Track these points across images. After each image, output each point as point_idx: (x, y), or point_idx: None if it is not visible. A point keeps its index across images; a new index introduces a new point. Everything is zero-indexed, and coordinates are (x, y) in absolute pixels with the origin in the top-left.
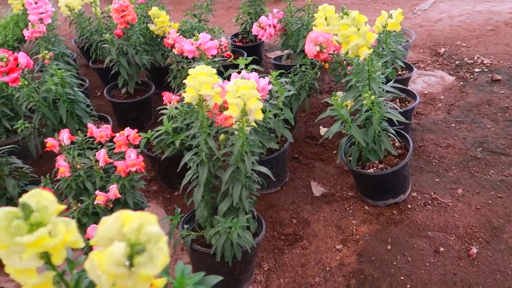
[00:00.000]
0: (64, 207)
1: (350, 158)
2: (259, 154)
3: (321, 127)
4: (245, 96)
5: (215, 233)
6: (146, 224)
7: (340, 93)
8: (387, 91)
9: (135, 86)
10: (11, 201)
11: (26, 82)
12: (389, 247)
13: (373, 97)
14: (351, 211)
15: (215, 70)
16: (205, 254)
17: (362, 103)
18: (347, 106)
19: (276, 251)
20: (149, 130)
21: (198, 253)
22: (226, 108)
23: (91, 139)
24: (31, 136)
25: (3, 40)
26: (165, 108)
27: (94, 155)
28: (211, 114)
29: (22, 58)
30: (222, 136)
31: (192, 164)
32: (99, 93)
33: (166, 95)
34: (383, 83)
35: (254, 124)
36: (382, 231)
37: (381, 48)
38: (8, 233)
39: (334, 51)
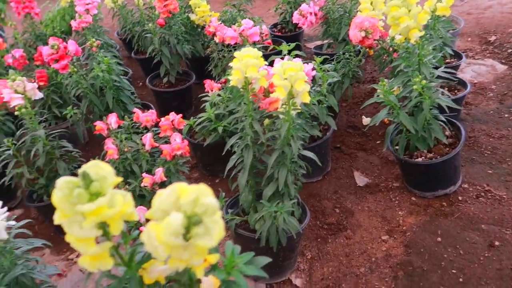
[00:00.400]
0: (120, 179)
1: (397, 147)
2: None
3: (363, 117)
4: (292, 78)
5: (260, 218)
6: (203, 196)
7: (386, 81)
8: (438, 77)
9: (176, 76)
10: None
11: (75, 69)
12: (439, 239)
13: (424, 81)
14: (396, 202)
15: (261, 53)
16: (250, 239)
17: (411, 89)
18: (394, 92)
19: (319, 240)
20: (191, 117)
21: (242, 238)
22: (271, 93)
23: (137, 124)
24: (79, 122)
25: (51, 32)
26: (207, 95)
27: (141, 139)
28: (256, 98)
29: (72, 45)
30: (267, 121)
31: (236, 148)
32: (141, 84)
33: (208, 83)
34: (433, 68)
35: (299, 108)
36: (431, 222)
37: (428, 35)
38: (69, 202)
39: (380, 36)
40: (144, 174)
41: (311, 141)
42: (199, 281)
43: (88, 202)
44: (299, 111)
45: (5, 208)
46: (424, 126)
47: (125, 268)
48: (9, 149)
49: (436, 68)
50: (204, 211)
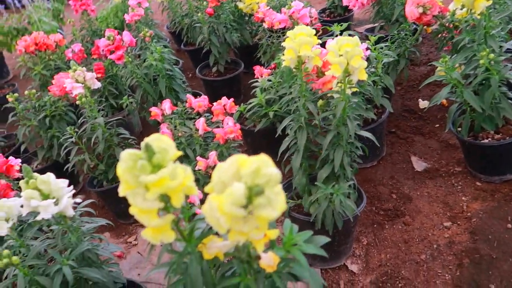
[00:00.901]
0: (180, 153)
1: (460, 128)
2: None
3: (420, 100)
4: (348, 54)
5: (315, 201)
6: (264, 166)
7: (448, 57)
8: (507, 50)
9: (225, 65)
10: None
11: (129, 59)
12: (509, 225)
13: (492, 55)
14: (459, 187)
15: (314, 31)
16: (304, 222)
17: (476, 65)
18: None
19: (375, 226)
20: (241, 104)
21: (296, 222)
22: (325, 73)
23: (190, 110)
24: (134, 111)
25: (106, 28)
26: (257, 81)
27: (194, 124)
28: (309, 78)
29: (126, 36)
30: (320, 102)
31: (289, 130)
32: (190, 75)
33: (258, 69)
34: (501, 41)
35: (355, 87)
36: (500, 208)
37: (492, 9)
38: (133, 174)
39: (439, 12)
40: (198, 158)
41: (365, 125)
42: (258, 257)
43: (151, 173)
44: (355, 90)
45: (71, 187)
46: (491, 104)
47: (185, 244)
48: (71, 137)
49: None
50: (266, 181)
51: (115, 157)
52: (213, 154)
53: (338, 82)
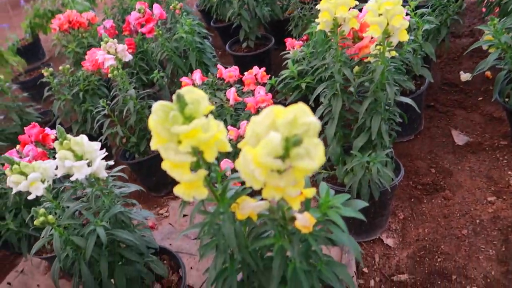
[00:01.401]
0: (213, 106)
1: (507, 98)
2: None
3: (461, 72)
4: (388, 13)
5: (350, 171)
6: (302, 115)
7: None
8: None
9: (255, 40)
10: None
11: (160, 32)
12: None
13: None
14: (505, 161)
15: None
16: (338, 193)
17: None
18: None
19: (412, 200)
20: (272, 77)
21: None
22: (361, 38)
23: (220, 81)
24: (165, 86)
25: (133, 5)
26: (288, 53)
27: (224, 94)
28: (345, 42)
29: (156, 9)
30: (357, 68)
31: (323, 98)
32: (220, 52)
33: (289, 41)
34: None
35: (394, 52)
36: None
37: None
38: (165, 126)
39: None
40: (229, 127)
41: (403, 93)
42: (293, 219)
43: (183, 125)
44: (394, 54)
45: (104, 150)
46: None
47: (217, 205)
48: (103, 110)
49: None
50: (304, 131)
51: (146, 129)
52: (244, 124)
53: (376, 45)
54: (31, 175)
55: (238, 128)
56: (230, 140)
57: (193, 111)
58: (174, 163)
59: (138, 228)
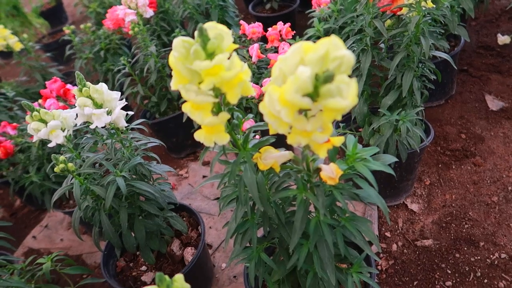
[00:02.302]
0: (237, 45)
1: None
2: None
3: (499, 35)
4: None
5: (376, 131)
6: (334, 49)
7: None
8: None
9: (279, 2)
10: (171, 102)
11: None
12: None
13: None
14: None
15: None
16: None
17: None
18: None
19: (440, 166)
20: (297, 37)
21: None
22: None
23: (243, 37)
24: None
25: None
26: (314, 11)
27: (247, 51)
28: None
29: None
30: (388, 21)
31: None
32: (242, 15)
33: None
34: None
35: (430, 3)
36: None
37: None
38: (186, 64)
39: None
40: (252, 84)
41: (434, 58)
42: (318, 170)
43: (205, 60)
44: (431, 5)
45: (124, 99)
46: None
47: (239, 153)
48: (124, 68)
49: None
50: (337, 66)
51: (167, 89)
52: (267, 81)
53: None
54: (51, 123)
55: (261, 86)
56: (252, 99)
57: (216, 47)
58: (195, 103)
59: (158, 182)
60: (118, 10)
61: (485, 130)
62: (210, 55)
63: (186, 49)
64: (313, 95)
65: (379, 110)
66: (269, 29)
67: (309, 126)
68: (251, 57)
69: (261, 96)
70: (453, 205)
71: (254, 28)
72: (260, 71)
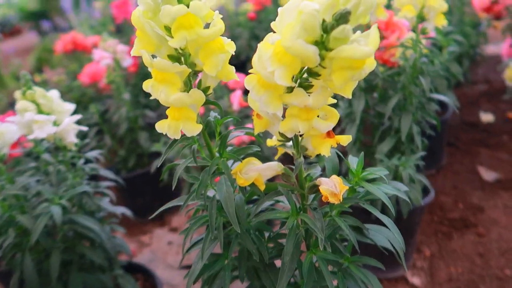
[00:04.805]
0: (222, 23)
1: None
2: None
3: (481, 112)
4: None
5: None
6: None
7: None
8: None
9: None
10: (141, 158)
11: None
12: None
13: None
14: None
15: None
16: (358, 209)
17: None
18: None
19: (439, 236)
20: None
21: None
22: (386, 38)
23: (224, 88)
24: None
25: None
26: None
27: (229, 98)
28: None
29: None
30: (381, 69)
31: (342, 100)
32: None
33: None
34: None
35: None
36: None
37: None
38: (152, 24)
39: None
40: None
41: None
42: (314, 187)
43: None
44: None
45: (78, 116)
46: None
47: (212, 160)
48: (92, 117)
49: None
50: (355, 4)
51: (137, 142)
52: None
53: (412, 29)
54: None
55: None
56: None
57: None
58: (160, 72)
59: (107, 222)
60: (94, 54)
61: (483, 200)
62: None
63: (155, 2)
64: (321, 45)
65: (375, 156)
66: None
67: (311, 100)
68: (232, 104)
69: (241, 144)
70: (460, 279)
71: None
72: (243, 121)
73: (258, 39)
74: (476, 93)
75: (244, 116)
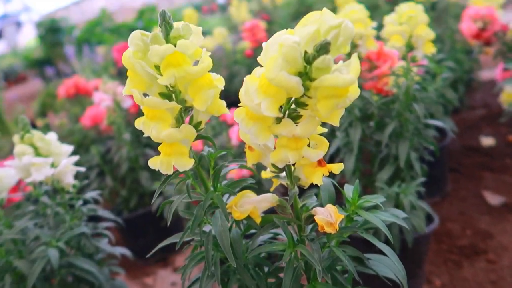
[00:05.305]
0: (210, 59)
1: None
2: None
3: (482, 137)
4: (412, 20)
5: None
6: (327, 21)
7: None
8: None
9: None
10: (143, 198)
11: None
12: None
13: None
14: None
15: (367, 12)
16: (360, 240)
17: None
18: None
19: (449, 265)
20: None
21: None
22: (378, 67)
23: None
24: None
25: None
26: None
27: (227, 134)
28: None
29: None
30: (375, 97)
31: (338, 131)
32: None
33: None
34: None
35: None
36: None
37: None
38: (142, 63)
39: (501, 30)
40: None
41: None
42: (310, 217)
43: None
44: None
45: (76, 157)
46: None
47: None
48: (93, 159)
49: None
50: (334, 36)
51: (138, 182)
52: None
53: (402, 57)
54: None
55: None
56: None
57: (179, 36)
58: (150, 108)
59: (106, 264)
60: (95, 96)
61: (491, 225)
62: (174, 38)
63: (145, 43)
64: (304, 76)
65: (375, 185)
66: None
67: (299, 130)
68: (231, 139)
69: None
70: None
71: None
72: (242, 157)
73: None
74: (475, 117)
75: (243, 151)
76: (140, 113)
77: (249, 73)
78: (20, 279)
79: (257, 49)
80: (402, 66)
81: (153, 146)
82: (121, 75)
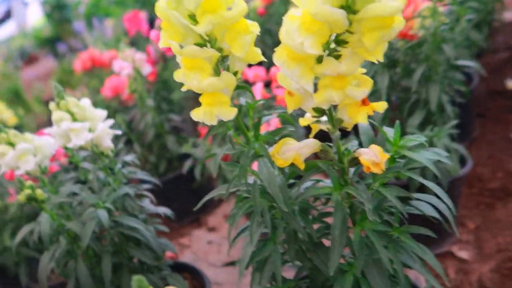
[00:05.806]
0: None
1: None
2: None
3: (507, 80)
4: None
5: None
6: None
7: None
8: None
9: None
10: (171, 163)
11: None
12: None
13: None
14: None
15: None
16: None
17: None
18: None
19: (481, 207)
20: None
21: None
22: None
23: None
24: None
25: None
26: None
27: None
28: None
29: None
30: (401, 42)
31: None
32: None
33: None
34: None
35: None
36: None
37: None
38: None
39: None
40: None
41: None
42: (354, 160)
43: None
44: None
45: (111, 120)
46: None
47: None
48: (119, 127)
49: None
50: None
51: (166, 147)
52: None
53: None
54: (20, 145)
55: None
56: None
57: None
58: (189, 58)
59: (150, 223)
60: (114, 65)
61: None
62: None
63: None
64: (347, 9)
65: (407, 131)
66: (273, 68)
67: (343, 67)
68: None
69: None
70: (510, 248)
71: (256, 72)
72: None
73: (270, 33)
74: (499, 61)
75: (267, 108)
76: (158, 81)
77: (264, 31)
78: (73, 240)
79: (269, 7)
80: (428, 7)
81: (176, 112)
82: (133, 44)
